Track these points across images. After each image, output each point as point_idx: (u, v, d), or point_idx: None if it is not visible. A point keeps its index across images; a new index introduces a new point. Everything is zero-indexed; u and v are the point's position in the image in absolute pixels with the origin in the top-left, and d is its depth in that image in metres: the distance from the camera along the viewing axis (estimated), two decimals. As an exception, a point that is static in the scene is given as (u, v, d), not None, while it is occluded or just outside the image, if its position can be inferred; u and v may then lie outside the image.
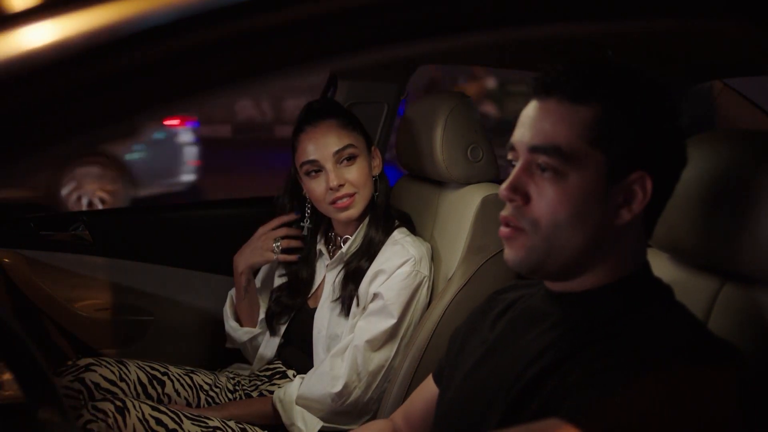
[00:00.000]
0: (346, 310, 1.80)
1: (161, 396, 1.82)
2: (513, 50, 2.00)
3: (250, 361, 2.01)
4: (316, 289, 1.94)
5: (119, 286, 2.20)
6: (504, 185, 1.00)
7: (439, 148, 1.82)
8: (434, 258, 1.84)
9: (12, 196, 5.27)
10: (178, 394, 1.84)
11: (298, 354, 1.91)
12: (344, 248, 1.86)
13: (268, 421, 1.78)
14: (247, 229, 2.05)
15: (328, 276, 1.90)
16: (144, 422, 1.57)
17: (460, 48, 1.86)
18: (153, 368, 1.85)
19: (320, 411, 1.74)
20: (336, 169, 1.78)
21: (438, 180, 1.92)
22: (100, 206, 5.77)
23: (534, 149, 0.99)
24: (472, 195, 1.81)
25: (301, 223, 1.94)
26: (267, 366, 1.94)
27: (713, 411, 0.87)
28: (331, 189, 1.77)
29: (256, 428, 1.73)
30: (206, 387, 1.89)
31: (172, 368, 1.89)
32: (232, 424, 1.69)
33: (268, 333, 1.98)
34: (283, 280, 1.99)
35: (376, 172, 1.86)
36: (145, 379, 1.81)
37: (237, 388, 1.94)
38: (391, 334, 1.73)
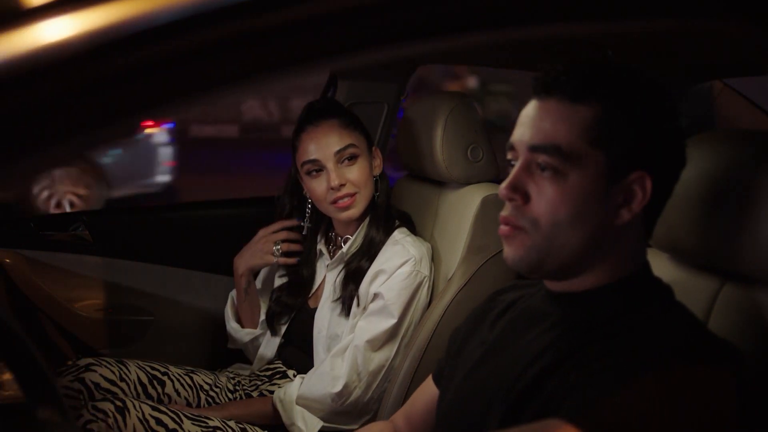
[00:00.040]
0: (346, 310, 1.80)
1: (161, 396, 1.82)
2: (513, 50, 2.00)
3: (252, 361, 2.01)
4: (317, 289, 1.94)
5: (119, 286, 2.20)
6: (504, 184, 1.00)
7: (439, 148, 1.82)
8: (434, 258, 1.84)
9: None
10: (178, 394, 1.84)
11: (298, 354, 1.91)
12: (345, 248, 1.86)
13: (268, 421, 1.78)
14: (247, 229, 2.05)
15: (328, 276, 1.90)
16: (144, 422, 1.57)
17: (460, 48, 1.86)
18: (153, 368, 1.85)
19: (320, 411, 1.75)
20: (337, 168, 1.78)
21: (438, 180, 1.92)
22: (68, 208, 5.70)
23: (534, 148, 0.99)
24: (472, 195, 1.81)
25: (302, 223, 1.94)
26: (267, 366, 1.94)
27: (713, 411, 0.87)
28: (332, 188, 1.77)
29: (256, 428, 1.73)
30: (206, 387, 1.89)
31: (172, 368, 1.89)
32: (232, 424, 1.69)
33: (268, 333, 1.98)
34: (284, 280, 1.99)
35: (377, 172, 1.87)
36: (145, 379, 1.81)
37: (237, 388, 1.94)
38: (391, 334, 1.73)
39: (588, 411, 0.87)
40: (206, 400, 1.87)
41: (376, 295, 1.75)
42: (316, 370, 1.78)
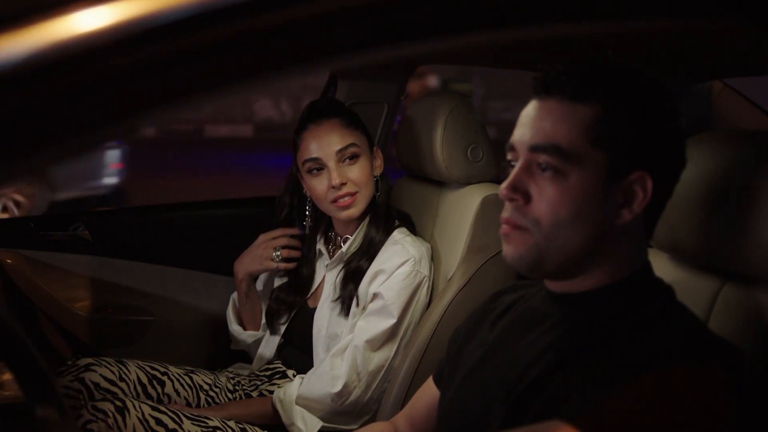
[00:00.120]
0: (345, 310, 1.81)
1: (161, 396, 1.82)
2: (513, 50, 2.00)
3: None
4: (316, 289, 1.94)
5: (119, 286, 2.20)
6: (504, 185, 1.00)
7: (439, 148, 1.82)
8: (434, 258, 1.84)
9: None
10: (178, 394, 1.84)
11: (298, 354, 1.91)
12: (344, 248, 1.86)
13: (267, 420, 1.78)
14: (247, 229, 2.05)
15: (328, 276, 1.90)
16: (144, 422, 1.57)
17: (460, 48, 1.86)
18: (153, 368, 1.85)
19: (320, 411, 1.75)
20: (338, 167, 1.78)
21: (438, 180, 1.92)
22: (15, 211, 5.63)
23: (534, 148, 0.98)
24: (472, 195, 1.81)
25: (304, 222, 1.94)
26: (267, 366, 1.94)
27: (713, 411, 0.87)
28: (332, 187, 1.77)
29: (256, 428, 1.73)
30: (206, 387, 1.89)
31: (172, 368, 1.89)
32: (232, 424, 1.69)
33: (267, 332, 1.98)
34: (284, 280, 2.00)
35: (378, 172, 1.87)
36: (145, 379, 1.81)
37: (237, 387, 1.94)
38: (390, 334, 1.73)
39: (588, 411, 0.87)
40: (206, 400, 1.87)
41: (375, 295, 1.75)
42: (315, 370, 1.78)
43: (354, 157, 1.80)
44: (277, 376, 1.89)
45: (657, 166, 0.98)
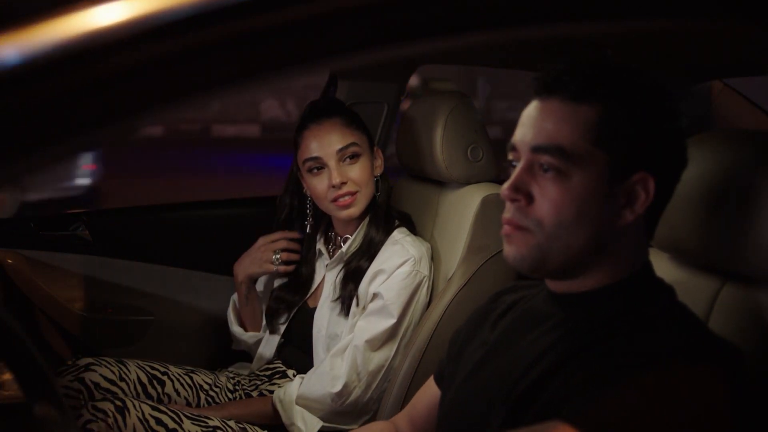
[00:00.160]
0: (345, 310, 1.81)
1: (161, 396, 1.82)
2: (513, 50, 2.00)
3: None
4: (316, 289, 1.94)
5: (119, 286, 2.20)
6: (506, 185, 0.99)
7: (439, 148, 1.82)
8: (434, 258, 1.84)
9: None
10: (178, 393, 1.84)
11: (298, 354, 1.91)
12: (344, 248, 1.87)
13: (268, 420, 1.78)
14: (247, 229, 2.05)
15: (327, 275, 1.90)
16: (144, 422, 1.57)
17: (461, 48, 1.86)
18: (153, 368, 1.85)
19: (320, 411, 1.75)
20: (339, 166, 1.78)
21: (438, 180, 1.92)
22: None
23: (536, 149, 0.98)
24: (472, 195, 1.81)
25: (305, 222, 1.94)
26: (267, 366, 1.94)
27: (713, 411, 0.87)
28: (333, 186, 1.78)
29: (256, 428, 1.73)
30: (206, 387, 1.89)
31: (172, 368, 1.89)
32: (232, 423, 1.69)
33: (267, 332, 1.98)
34: (284, 280, 2.00)
35: (378, 172, 1.87)
36: (145, 379, 1.81)
37: (237, 387, 1.94)
38: (390, 333, 1.73)
39: (589, 411, 0.87)
40: (206, 399, 1.87)
41: (375, 295, 1.75)
42: (315, 369, 1.78)
43: (354, 157, 1.80)
44: (277, 376, 1.89)
45: (659, 166, 0.98)
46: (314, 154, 1.79)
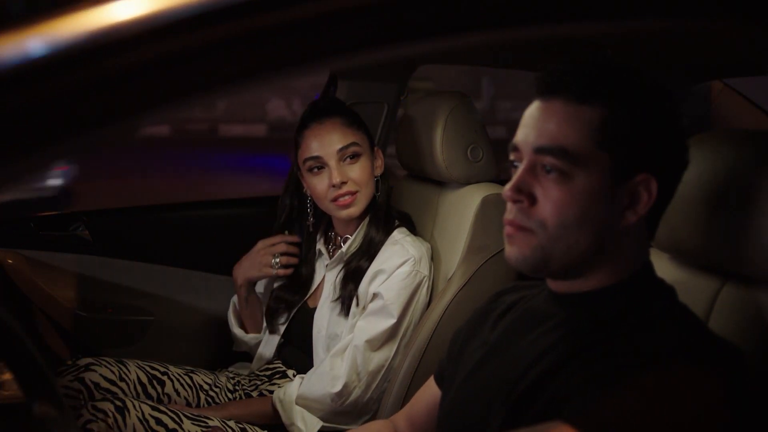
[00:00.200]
0: (345, 310, 1.81)
1: (161, 396, 1.82)
2: (513, 50, 2.00)
3: None
4: (316, 289, 1.94)
5: (119, 286, 2.20)
6: (508, 186, 0.99)
7: (439, 148, 1.82)
8: (434, 258, 1.84)
9: None
10: (178, 393, 1.84)
11: (298, 354, 1.91)
12: (344, 248, 1.87)
13: (267, 420, 1.78)
14: (247, 229, 2.05)
15: (327, 276, 1.90)
16: (144, 422, 1.57)
17: (460, 48, 1.86)
18: (153, 368, 1.85)
19: (320, 411, 1.75)
20: (339, 166, 1.78)
21: (438, 180, 1.92)
22: None
23: (539, 150, 0.98)
24: (472, 195, 1.81)
25: (306, 222, 1.94)
26: (267, 366, 1.94)
27: (714, 411, 0.87)
28: (333, 186, 1.78)
29: (256, 428, 1.73)
30: (206, 387, 1.89)
31: (172, 368, 1.89)
32: (232, 423, 1.69)
33: (267, 332, 1.98)
34: (283, 280, 2.00)
35: (378, 172, 1.87)
36: (145, 379, 1.81)
37: (237, 387, 1.94)
38: (390, 333, 1.73)
39: (589, 411, 0.87)
40: (206, 399, 1.87)
41: (375, 295, 1.75)
42: (315, 369, 1.78)
43: (355, 157, 1.80)
44: (277, 376, 1.89)
45: (661, 167, 0.98)
46: (315, 154, 1.80)
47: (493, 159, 1.87)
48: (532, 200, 0.98)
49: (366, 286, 1.78)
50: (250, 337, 2.00)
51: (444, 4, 0.70)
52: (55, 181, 6.25)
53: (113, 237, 2.24)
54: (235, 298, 2.04)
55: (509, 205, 1.00)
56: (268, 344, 1.97)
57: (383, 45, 0.70)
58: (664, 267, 1.15)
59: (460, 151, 1.82)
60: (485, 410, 1.03)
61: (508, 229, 1.01)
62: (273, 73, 0.67)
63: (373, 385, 1.73)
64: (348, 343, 1.74)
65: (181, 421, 1.61)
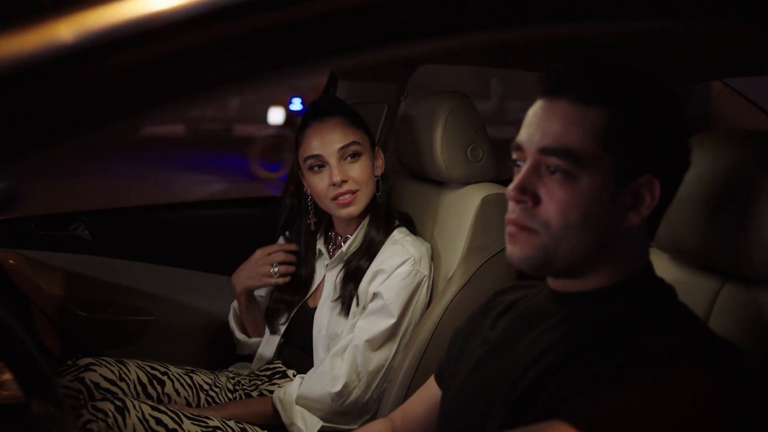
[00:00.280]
0: (345, 310, 1.81)
1: (161, 396, 1.82)
2: (513, 50, 2.00)
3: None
4: (316, 289, 1.95)
5: (119, 286, 2.20)
6: (512, 186, 0.99)
7: (439, 148, 1.82)
8: (434, 258, 1.84)
9: None
10: (178, 393, 1.84)
11: (298, 354, 1.91)
12: (344, 247, 1.87)
13: (268, 420, 1.78)
14: (247, 229, 2.05)
15: (328, 275, 1.90)
16: (144, 422, 1.57)
17: (460, 48, 1.86)
18: (153, 368, 1.85)
19: (320, 411, 1.75)
20: (340, 165, 1.78)
21: (438, 180, 1.92)
22: None
23: (544, 151, 0.98)
24: (472, 195, 1.81)
25: (307, 220, 1.94)
26: (267, 366, 1.94)
27: (714, 411, 0.87)
28: (333, 184, 1.78)
29: (256, 428, 1.73)
30: (206, 387, 1.89)
31: (172, 368, 1.89)
32: (232, 423, 1.69)
33: (268, 332, 1.98)
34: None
35: (379, 172, 1.87)
36: (145, 379, 1.81)
37: (237, 387, 1.94)
38: (390, 333, 1.73)
39: (588, 411, 0.87)
40: (206, 399, 1.87)
41: (375, 295, 1.75)
42: (315, 369, 1.78)
43: (355, 156, 1.80)
44: (277, 376, 1.89)
45: (664, 169, 0.98)
46: (315, 152, 1.80)
47: (493, 159, 1.87)
48: (536, 200, 0.98)
49: (366, 286, 1.78)
50: (254, 341, 2.01)
51: (444, 4, 0.70)
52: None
53: (113, 237, 2.24)
54: (235, 304, 2.04)
55: (511, 205, 1.00)
56: (268, 344, 1.97)
57: (383, 45, 0.70)
58: (664, 267, 1.15)
59: (460, 151, 1.82)
60: (485, 409, 1.03)
61: (510, 229, 1.00)
62: (273, 73, 0.67)
63: (373, 385, 1.73)
64: (348, 342, 1.74)
65: (181, 421, 1.61)
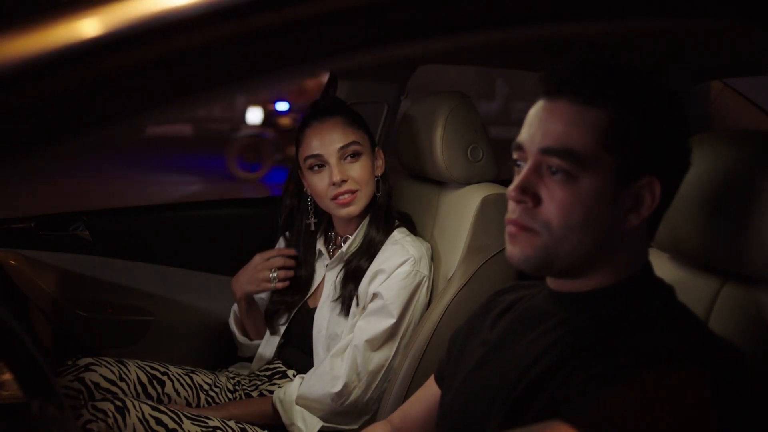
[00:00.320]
0: (345, 310, 1.81)
1: (161, 396, 1.82)
2: (513, 50, 2.00)
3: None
4: (316, 289, 1.95)
5: (119, 286, 2.20)
6: (513, 186, 0.99)
7: (439, 148, 1.82)
8: (434, 258, 1.84)
9: None
10: (178, 393, 1.84)
11: (298, 354, 1.91)
12: (344, 247, 1.87)
13: (268, 420, 1.78)
14: (247, 229, 2.05)
15: (328, 275, 1.90)
16: (144, 422, 1.57)
17: (460, 48, 1.86)
18: (153, 368, 1.85)
19: (320, 411, 1.75)
20: (340, 164, 1.78)
21: (438, 180, 1.92)
22: None
23: (545, 151, 0.97)
24: (472, 195, 1.81)
25: (307, 220, 1.94)
26: (267, 366, 1.94)
27: (714, 411, 0.87)
28: (333, 184, 1.78)
29: (256, 428, 1.73)
30: (206, 387, 1.89)
31: (172, 368, 1.89)
32: (232, 423, 1.69)
33: (268, 332, 1.98)
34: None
35: (379, 172, 1.87)
36: (145, 379, 1.81)
37: (237, 387, 1.94)
38: (390, 333, 1.73)
39: (588, 411, 0.87)
40: (206, 400, 1.87)
41: (375, 295, 1.75)
42: (315, 369, 1.78)
43: (355, 155, 1.81)
44: (277, 376, 1.89)
45: (665, 170, 0.98)
46: (316, 152, 1.80)
47: (494, 159, 1.87)
48: (537, 201, 0.98)
49: (366, 286, 1.78)
50: (255, 344, 2.01)
51: (444, 4, 0.70)
52: None
53: (113, 237, 2.24)
54: (235, 307, 2.04)
55: (512, 205, 1.00)
56: (268, 344, 1.97)
57: (383, 45, 0.70)
58: (664, 267, 1.15)
59: (460, 151, 1.82)
60: (485, 409, 1.03)
61: (511, 229, 1.00)
62: (273, 73, 0.67)
63: (373, 385, 1.73)
64: (348, 343, 1.74)
65: (181, 421, 1.61)
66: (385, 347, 1.74)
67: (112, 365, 1.79)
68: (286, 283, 1.94)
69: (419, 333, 1.72)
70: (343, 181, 1.78)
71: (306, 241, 1.96)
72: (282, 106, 8.96)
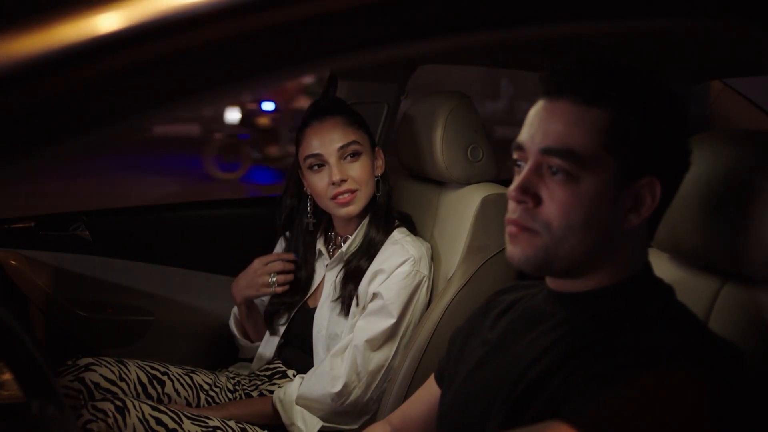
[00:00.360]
0: (345, 310, 1.81)
1: (161, 396, 1.82)
2: (513, 50, 2.00)
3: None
4: (316, 289, 1.95)
5: (119, 286, 2.20)
6: (513, 186, 0.99)
7: (439, 148, 1.82)
8: (434, 258, 1.84)
9: None
10: (178, 393, 1.84)
11: (298, 354, 1.91)
12: (344, 247, 1.87)
13: (268, 420, 1.78)
14: (247, 229, 2.05)
15: (327, 275, 1.91)
16: (144, 422, 1.57)
17: (460, 48, 1.86)
18: (153, 368, 1.85)
19: (320, 411, 1.75)
20: (339, 164, 1.78)
21: (438, 180, 1.92)
22: None
23: (546, 151, 0.97)
24: (472, 195, 1.82)
25: (306, 220, 1.94)
26: (267, 366, 1.94)
27: (714, 412, 0.87)
28: (333, 184, 1.78)
29: (256, 428, 1.73)
30: (206, 387, 1.89)
31: (172, 368, 1.89)
32: (232, 423, 1.69)
33: (267, 332, 1.98)
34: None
35: (379, 172, 1.87)
36: (145, 379, 1.81)
37: (237, 387, 1.94)
38: (390, 333, 1.73)
39: (588, 411, 0.87)
40: (206, 399, 1.87)
41: (375, 295, 1.75)
42: (315, 369, 1.78)
43: (355, 155, 1.81)
44: (277, 376, 1.89)
45: (665, 170, 0.98)
46: (315, 151, 1.80)
47: (494, 159, 1.87)
48: (537, 201, 0.98)
49: (366, 286, 1.78)
50: (256, 345, 2.01)
51: (444, 4, 0.70)
52: None
53: (113, 237, 2.24)
54: (235, 310, 2.04)
55: (512, 205, 1.00)
56: (268, 344, 1.97)
57: (383, 45, 0.70)
58: (664, 267, 1.15)
59: (460, 151, 1.82)
60: (485, 409, 1.03)
61: (511, 229, 1.00)
62: (273, 73, 0.67)
63: (373, 385, 1.73)
64: (348, 343, 1.74)
65: (181, 421, 1.61)
66: (385, 347, 1.74)
67: (112, 365, 1.79)
68: (286, 288, 1.95)
69: (419, 333, 1.72)
70: (343, 181, 1.78)
71: (306, 241, 1.96)
72: (268, 105, 8.92)
